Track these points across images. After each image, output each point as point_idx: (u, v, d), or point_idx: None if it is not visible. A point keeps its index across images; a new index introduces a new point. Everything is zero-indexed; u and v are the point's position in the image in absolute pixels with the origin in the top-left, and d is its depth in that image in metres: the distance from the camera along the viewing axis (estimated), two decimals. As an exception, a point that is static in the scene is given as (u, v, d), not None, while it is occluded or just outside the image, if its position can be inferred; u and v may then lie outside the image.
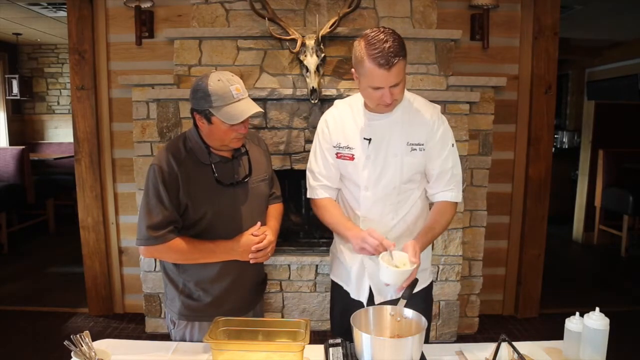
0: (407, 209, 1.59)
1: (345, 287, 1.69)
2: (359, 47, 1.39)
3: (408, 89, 2.81)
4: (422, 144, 1.53)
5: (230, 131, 1.46)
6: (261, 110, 1.51)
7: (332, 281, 1.76)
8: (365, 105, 1.56)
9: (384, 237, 1.42)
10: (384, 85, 1.38)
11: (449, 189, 1.57)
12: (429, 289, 1.71)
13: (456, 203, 1.60)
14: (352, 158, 1.56)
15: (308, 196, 1.68)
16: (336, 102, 1.68)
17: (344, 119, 1.59)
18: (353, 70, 1.46)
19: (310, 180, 1.66)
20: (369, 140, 1.53)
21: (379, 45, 1.34)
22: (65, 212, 5.73)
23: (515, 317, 3.30)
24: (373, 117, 1.54)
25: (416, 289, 1.62)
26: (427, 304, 1.71)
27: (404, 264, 1.37)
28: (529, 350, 1.34)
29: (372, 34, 1.38)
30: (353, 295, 1.65)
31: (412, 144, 1.53)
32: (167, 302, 1.64)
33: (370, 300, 1.61)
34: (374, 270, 1.58)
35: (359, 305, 1.60)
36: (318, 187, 1.63)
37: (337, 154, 1.59)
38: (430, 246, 1.73)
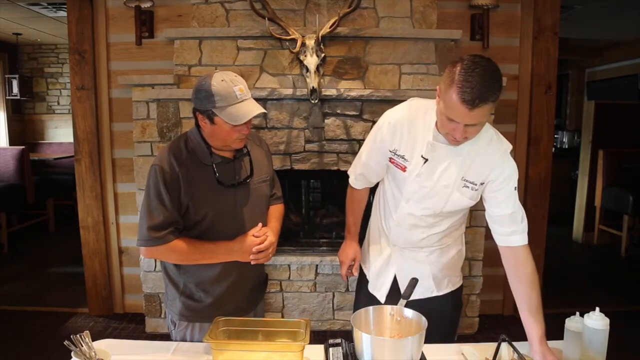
0: (441, 227, 1.55)
1: (367, 277, 1.70)
2: (454, 71, 1.24)
3: (408, 89, 2.80)
4: (476, 184, 1.43)
5: (233, 132, 1.45)
6: (264, 111, 1.50)
7: (361, 271, 1.76)
8: (437, 122, 1.43)
9: (346, 266, 1.70)
10: (459, 122, 1.27)
11: (509, 234, 1.46)
12: (458, 292, 1.69)
13: (525, 245, 1.47)
14: (403, 169, 1.48)
15: (349, 172, 1.70)
16: (414, 101, 1.53)
17: (411, 126, 1.47)
18: (438, 87, 1.33)
19: (357, 163, 1.66)
20: (426, 160, 1.43)
21: (472, 81, 1.19)
22: (65, 212, 5.73)
23: (515, 317, 3.25)
24: (440, 138, 1.41)
25: (445, 291, 1.63)
26: (455, 307, 1.69)
27: None
28: (529, 350, 1.34)
29: (471, 63, 1.22)
30: (370, 289, 1.66)
31: (467, 181, 1.43)
32: (167, 303, 1.64)
33: (392, 296, 1.57)
34: (400, 265, 1.58)
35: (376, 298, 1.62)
36: (359, 176, 1.65)
37: (390, 159, 1.51)
38: (462, 253, 1.68)
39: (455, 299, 1.68)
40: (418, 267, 1.58)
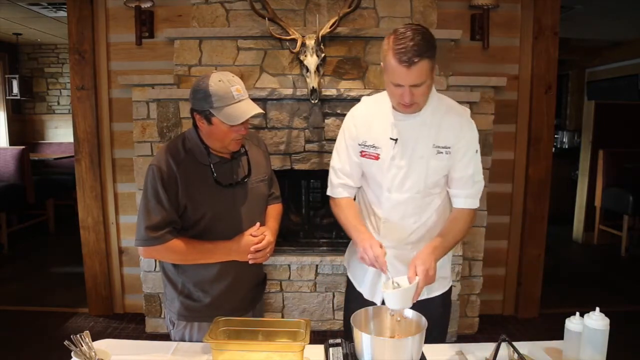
0: (429, 213, 1.56)
1: (358, 288, 1.67)
2: (387, 40, 1.36)
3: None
4: (449, 147, 1.49)
5: (230, 132, 1.46)
6: (262, 111, 1.50)
7: (348, 279, 1.75)
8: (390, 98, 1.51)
9: (382, 255, 1.38)
10: (403, 84, 1.35)
11: (465, 196, 1.54)
12: (448, 293, 1.68)
13: (473, 210, 1.56)
14: (377, 158, 1.52)
15: (328, 193, 1.65)
16: (364, 98, 1.64)
17: (371, 117, 1.55)
18: (382, 64, 1.42)
19: (332, 176, 1.62)
20: (395, 140, 1.49)
21: (405, 42, 1.30)
22: (65, 212, 5.73)
23: (515, 317, 3.30)
24: (400, 116, 1.49)
25: (435, 294, 1.61)
26: (445, 308, 1.68)
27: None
28: (529, 350, 1.34)
29: (402, 29, 1.34)
30: (366, 296, 1.63)
31: (439, 147, 1.49)
32: (166, 303, 1.64)
33: None
34: (391, 271, 1.57)
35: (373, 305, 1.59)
36: (339, 186, 1.61)
37: (361, 152, 1.55)
38: (450, 254, 1.66)
39: (445, 300, 1.68)
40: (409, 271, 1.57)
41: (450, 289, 1.70)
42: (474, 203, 1.55)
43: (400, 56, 1.30)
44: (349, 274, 1.75)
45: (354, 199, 1.69)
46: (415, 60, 1.30)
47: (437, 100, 1.52)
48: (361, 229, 1.52)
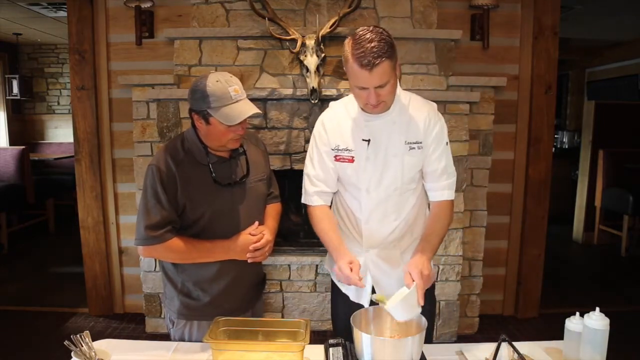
0: (408, 209, 1.58)
1: (343, 290, 1.67)
2: (347, 45, 1.37)
3: (407, 89, 2.82)
4: (420, 142, 1.52)
5: (228, 132, 1.46)
6: (259, 111, 1.51)
7: (332, 282, 1.75)
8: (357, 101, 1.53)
9: (358, 278, 1.39)
10: (367, 86, 1.37)
11: (442, 188, 1.56)
12: (431, 289, 1.69)
13: (451, 201, 1.59)
14: (351, 160, 1.53)
15: (303, 201, 1.65)
16: (331, 103, 1.66)
17: (341, 121, 1.57)
18: (344, 68, 1.44)
19: (306, 184, 1.63)
20: (368, 141, 1.51)
21: (364, 45, 1.32)
22: (65, 212, 5.73)
23: (515, 317, 3.30)
24: (370, 117, 1.51)
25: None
26: (430, 304, 1.68)
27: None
28: (529, 350, 1.34)
29: (360, 32, 1.36)
30: (352, 298, 1.64)
31: (410, 143, 1.51)
32: (166, 302, 1.64)
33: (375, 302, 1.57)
34: (376, 272, 1.57)
35: (360, 307, 1.59)
36: (314, 194, 1.61)
37: (335, 156, 1.56)
38: None
39: (430, 298, 1.68)
40: (394, 271, 1.57)
41: (433, 285, 1.71)
42: (450, 194, 1.58)
43: (361, 60, 1.32)
44: (333, 278, 1.74)
45: (330, 206, 1.68)
46: (376, 62, 1.31)
47: (403, 97, 1.55)
48: (338, 246, 1.51)
